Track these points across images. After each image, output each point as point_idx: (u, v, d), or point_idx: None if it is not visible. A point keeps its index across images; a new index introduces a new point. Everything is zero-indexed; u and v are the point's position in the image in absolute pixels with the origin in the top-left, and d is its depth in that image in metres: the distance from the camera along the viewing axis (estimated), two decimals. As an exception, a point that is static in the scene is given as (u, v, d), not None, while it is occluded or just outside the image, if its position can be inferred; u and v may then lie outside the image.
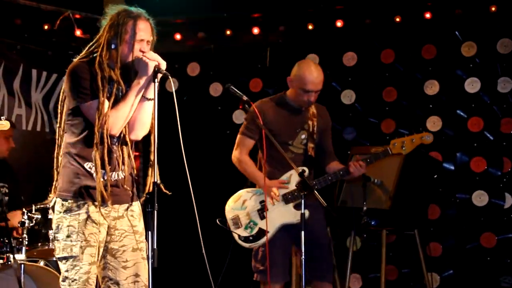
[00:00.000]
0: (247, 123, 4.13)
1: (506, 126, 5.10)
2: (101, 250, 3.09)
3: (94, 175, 3.00)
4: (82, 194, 3.00)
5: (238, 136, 4.15)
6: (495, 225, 5.13)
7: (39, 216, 4.37)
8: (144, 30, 2.96)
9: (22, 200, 4.79)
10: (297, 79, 3.89)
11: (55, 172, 3.12)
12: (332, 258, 4.28)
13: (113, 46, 3.00)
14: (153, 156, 2.96)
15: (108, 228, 3.08)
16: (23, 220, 4.29)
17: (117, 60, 2.98)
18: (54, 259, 3.95)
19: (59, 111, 3.15)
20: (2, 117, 3.85)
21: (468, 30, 5.09)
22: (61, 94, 3.11)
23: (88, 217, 3.03)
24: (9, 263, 4.25)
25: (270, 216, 4.00)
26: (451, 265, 5.18)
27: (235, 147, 4.15)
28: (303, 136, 4.08)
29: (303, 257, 3.56)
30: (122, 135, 3.09)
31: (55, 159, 3.13)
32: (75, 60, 3.04)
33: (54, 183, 3.11)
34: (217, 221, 4.21)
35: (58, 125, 3.13)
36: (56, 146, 3.12)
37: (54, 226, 3.08)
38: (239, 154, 4.13)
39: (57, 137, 3.10)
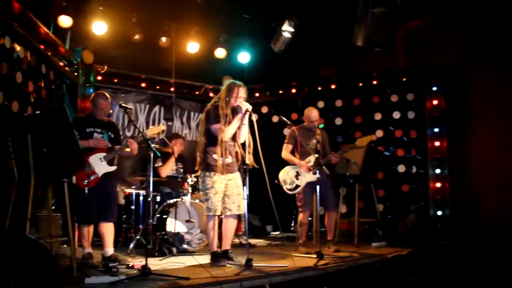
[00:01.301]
0: (288, 137, 6.08)
1: None
2: (222, 195, 4.81)
3: (217, 159, 4.71)
4: (212, 168, 4.79)
5: (284, 144, 6.09)
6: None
7: (195, 179, 6.27)
8: (242, 92, 4.78)
9: (188, 171, 6.54)
10: (306, 116, 6.08)
11: (198, 157, 4.84)
12: (335, 199, 6.19)
13: (227, 99, 4.76)
14: (248, 150, 4.65)
15: (225, 184, 4.84)
16: (188, 182, 6.24)
17: (229, 105, 4.74)
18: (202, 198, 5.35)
19: (199, 129, 5.18)
20: (162, 124, 6.21)
21: None
22: (201, 121, 4.88)
23: (216, 179, 4.80)
24: (183, 201, 6.03)
25: (302, 177, 5.94)
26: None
27: (283, 149, 6.09)
28: (314, 141, 6.05)
29: (318, 203, 5.44)
30: (232, 141, 4.84)
31: (198, 151, 4.90)
32: (208, 105, 4.88)
33: (197, 163, 4.85)
34: (275, 181, 6.01)
35: (199, 135, 4.96)
36: (198, 145, 4.90)
37: (200, 184, 4.88)
38: (285, 153, 6.07)
39: (198, 140, 4.92)
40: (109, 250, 5.27)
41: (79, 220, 5.09)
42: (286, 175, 6.12)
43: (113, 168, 5.26)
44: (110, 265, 4.47)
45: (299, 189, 5.98)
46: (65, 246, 5.72)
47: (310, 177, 5.84)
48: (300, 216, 6.10)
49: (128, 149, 5.25)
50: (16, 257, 3.18)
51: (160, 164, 6.75)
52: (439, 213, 7.62)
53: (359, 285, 5.11)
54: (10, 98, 5.30)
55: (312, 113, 6.07)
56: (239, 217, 5.20)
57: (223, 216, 5.01)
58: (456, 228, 7.41)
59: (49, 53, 6.24)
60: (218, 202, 4.79)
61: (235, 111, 4.86)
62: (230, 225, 5.00)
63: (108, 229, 5.29)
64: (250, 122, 4.86)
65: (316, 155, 5.81)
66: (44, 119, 4.20)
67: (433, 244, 6.57)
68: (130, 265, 4.84)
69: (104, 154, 5.20)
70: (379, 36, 6.64)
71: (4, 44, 5.22)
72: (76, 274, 4.35)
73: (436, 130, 7.78)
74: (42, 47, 5.99)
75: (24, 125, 4.29)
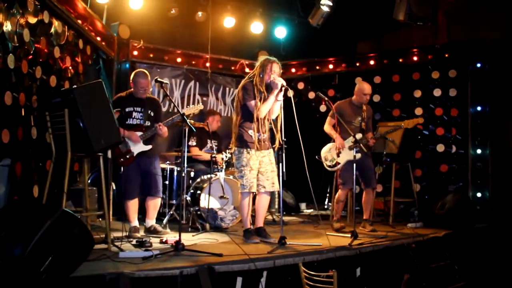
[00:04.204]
0: (331, 112, 6.04)
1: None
2: (257, 172, 4.81)
3: (253, 136, 4.67)
4: (248, 145, 4.75)
5: (328, 117, 6.07)
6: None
7: (230, 155, 6.19)
8: (276, 68, 4.75)
9: (222, 149, 6.75)
10: (358, 89, 5.93)
11: (233, 133, 4.82)
12: (375, 175, 6.06)
13: (261, 75, 4.74)
14: (280, 127, 4.59)
15: (259, 161, 4.84)
16: (222, 158, 6.23)
17: (263, 82, 4.72)
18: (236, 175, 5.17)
19: (234, 105, 4.93)
20: (200, 104, 5.85)
21: None
22: (235, 96, 4.84)
23: (251, 156, 4.78)
24: (217, 177, 6.06)
25: (342, 155, 5.90)
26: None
27: (326, 123, 6.04)
28: (359, 119, 5.92)
29: (353, 180, 5.33)
30: (266, 117, 4.78)
31: (233, 127, 4.87)
32: (243, 81, 4.83)
33: (232, 139, 4.86)
34: (316, 157, 6.13)
35: (234, 110, 4.85)
36: (233, 121, 4.88)
37: (235, 161, 4.86)
38: (327, 126, 6.09)
39: (233, 117, 4.89)
40: (150, 221, 5.41)
41: (122, 196, 5.24)
42: (328, 152, 6.11)
43: (148, 147, 5.33)
44: (143, 239, 4.52)
45: (338, 166, 5.95)
46: (100, 220, 5.78)
47: (350, 155, 5.74)
48: (339, 193, 6.05)
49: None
50: (53, 230, 3.23)
51: (194, 143, 6.76)
52: (479, 194, 7.43)
53: (393, 266, 5.00)
54: (48, 73, 5.37)
55: (366, 86, 5.94)
56: (272, 194, 5.15)
57: (256, 193, 5.00)
58: (496, 211, 7.24)
59: (86, 28, 6.29)
60: (253, 179, 4.78)
61: (269, 87, 4.79)
62: (263, 202, 4.99)
63: (152, 204, 5.42)
64: (287, 98, 4.75)
65: (359, 135, 5.75)
66: (81, 94, 4.22)
67: (471, 226, 6.42)
68: (163, 240, 4.87)
69: (140, 133, 5.28)
70: (421, 10, 6.58)
71: (43, 19, 5.25)
72: (110, 248, 4.40)
73: (479, 108, 7.51)
74: (79, 22, 6.04)
75: (61, 99, 4.31)
